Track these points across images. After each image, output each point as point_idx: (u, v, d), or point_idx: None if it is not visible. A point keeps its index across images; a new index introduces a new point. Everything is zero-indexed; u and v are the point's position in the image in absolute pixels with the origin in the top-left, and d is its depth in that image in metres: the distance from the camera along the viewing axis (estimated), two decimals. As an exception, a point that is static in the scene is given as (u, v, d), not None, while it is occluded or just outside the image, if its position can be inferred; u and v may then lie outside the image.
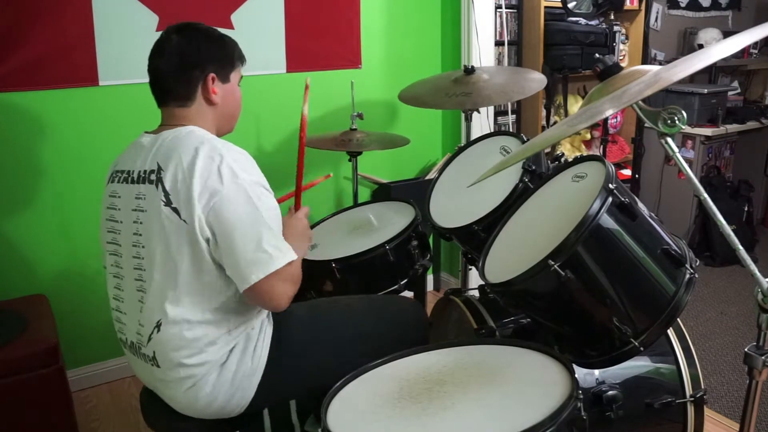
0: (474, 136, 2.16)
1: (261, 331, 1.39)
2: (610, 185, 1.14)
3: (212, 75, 1.38)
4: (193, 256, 1.26)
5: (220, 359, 1.33)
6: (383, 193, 2.90)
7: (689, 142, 3.72)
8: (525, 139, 1.71)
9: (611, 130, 3.62)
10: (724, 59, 3.63)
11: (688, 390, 1.47)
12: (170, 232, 1.25)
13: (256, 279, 1.23)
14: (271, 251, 1.24)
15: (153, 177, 1.29)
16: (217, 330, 1.31)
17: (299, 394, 1.44)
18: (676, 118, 1.07)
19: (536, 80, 2.19)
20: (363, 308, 1.62)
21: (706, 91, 3.65)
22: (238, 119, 1.51)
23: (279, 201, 1.38)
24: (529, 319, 1.60)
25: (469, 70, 2.24)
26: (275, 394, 1.41)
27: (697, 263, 1.24)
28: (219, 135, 1.43)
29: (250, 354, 1.36)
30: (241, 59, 1.47)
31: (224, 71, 1.42)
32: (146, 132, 1.40)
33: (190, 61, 1.37)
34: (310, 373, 1.43)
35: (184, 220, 1.24)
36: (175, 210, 1.25)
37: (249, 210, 1.24)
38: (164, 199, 1.26)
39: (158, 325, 1.29)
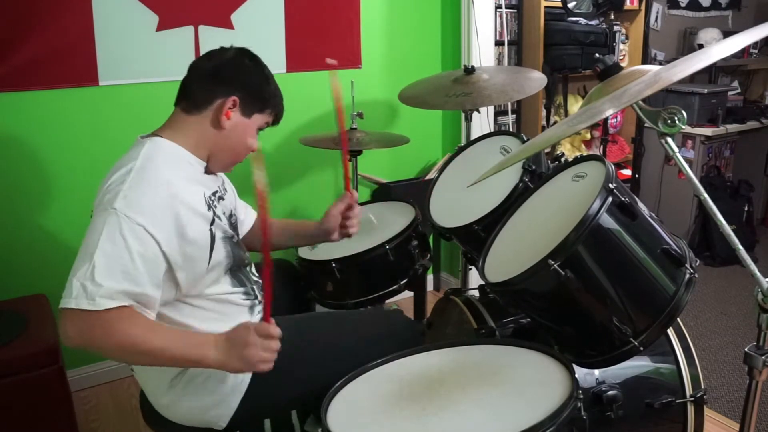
0: (474, 136, 2.16)
1: None
2: (610, 185, 1.14)
3: (234, 98, 1.31)
4: None
5: (190, 371, 1.29)
6: (383, 193, 2.90)
7: (689, 142, 3.72)
8: (525, 139, 1.71)
9: (611, 130, 3.62)
10: (724, 59, 3.63)
11: (688, 390, 1.46)
12: None
13: (61, 306, 1.10)
14: (74, 289, 1.09)
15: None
16: None
17: (284, 409, 1.42)
18: (676, 118, 1.07)
19: (536, 80, 2.19)
20: (351, 323, 1.58)
21: (706, 91, 3.65)
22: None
23: None
24: (529, 319, 1.59)
25: (469, 70, 2.24)
26: (259, 410, 1.38)
27: (697, 263, 1.24)
28: (210, 163, 1.36)
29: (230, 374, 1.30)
30: (273, 110, 1.40)
31: (250, 104, 1.35)
32: None
33: (222, 75, 1.32)
34: (296, 390, 1.39)
35: None
36: None
37: (94, 237, 1.12)
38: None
39: None
